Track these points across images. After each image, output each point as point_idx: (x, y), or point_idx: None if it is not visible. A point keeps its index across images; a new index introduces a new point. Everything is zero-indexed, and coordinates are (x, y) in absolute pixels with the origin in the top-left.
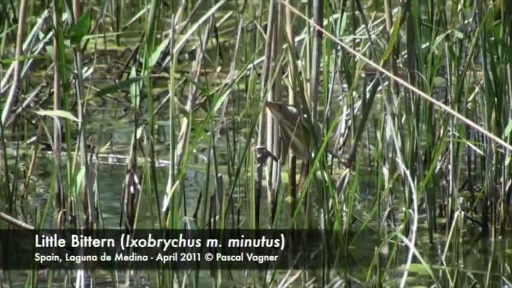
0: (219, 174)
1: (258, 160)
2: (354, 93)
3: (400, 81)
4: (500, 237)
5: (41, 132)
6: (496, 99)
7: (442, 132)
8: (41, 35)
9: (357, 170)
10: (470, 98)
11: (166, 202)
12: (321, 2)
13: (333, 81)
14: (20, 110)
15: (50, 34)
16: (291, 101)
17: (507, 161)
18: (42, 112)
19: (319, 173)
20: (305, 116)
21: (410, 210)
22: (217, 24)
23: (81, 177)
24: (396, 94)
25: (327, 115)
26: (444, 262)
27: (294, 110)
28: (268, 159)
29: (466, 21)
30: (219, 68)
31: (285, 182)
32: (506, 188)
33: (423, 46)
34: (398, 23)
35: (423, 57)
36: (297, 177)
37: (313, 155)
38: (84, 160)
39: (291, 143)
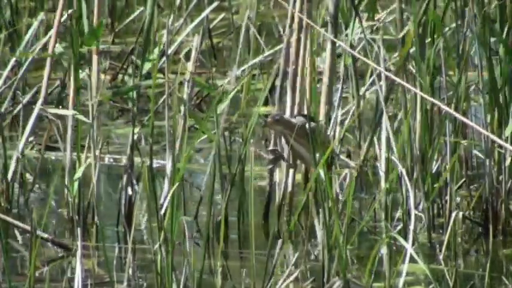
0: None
1: (270, 162)
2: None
3: (401, 82)
4: (500, 237)
5: (50, 133)
6: (494, 99)
7: (437, 132)
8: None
9: (357, 170)
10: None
11: (164, 202)
12: (336, 10)
13: (341, 84)
14: (18, 110)
15: (49, 35)
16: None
17: (508, 161)
18: (55, 111)
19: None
20: (310, 123)
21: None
22: (211, 26)
23: (78, 176)
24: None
25: (334, 120)
26: (442, 262)
27: (293, 119)
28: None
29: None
30: (213, 69)
31: (299, 183)
32: (507, 188)
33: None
34: (413, 35)
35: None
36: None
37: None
38: (93, 161)
39: (296, 152)
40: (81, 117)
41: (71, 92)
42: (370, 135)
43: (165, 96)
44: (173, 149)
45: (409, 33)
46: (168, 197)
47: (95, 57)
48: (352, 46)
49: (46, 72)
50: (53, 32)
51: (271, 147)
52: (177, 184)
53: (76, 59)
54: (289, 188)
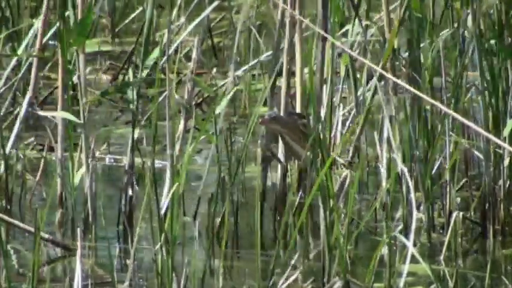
0: (222, 175)
1: (263, 160)
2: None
3: (399, 82)
4: (500, 237)
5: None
6: (493, 99)
7: (439, 132)
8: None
9: (357, 171)
10: (467, 98)
11: (165, 203)
12: (325, 7)
13: (334, 82)
14: (18, 110)
15: (50, 34)
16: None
17: (506, 162)
18: (45, 113)
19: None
20: (304, 121)
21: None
22: (211, 25)
23: (78, 178)
24: (395, 94)
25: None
26: (443, 262)
27: (288, 117)
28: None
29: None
30: (214, 69)
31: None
32: (506, 188)
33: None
34: (397, 27)
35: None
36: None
37: (311, 159)
38: (85, 161)
39: (292, 149)
40: (72, 117)
41: (60, 92)
42: (357, 132)
43: (165, 94)
44: (173, 150)
45: (393, 31)
46: (169, 198)
47: (82, 56)
48: (351, 46)
49: (33, 72)
50: (39, 31)
51: (263, 147)
52: (176, 184)
53: (65, 58)
54: (280, 188)
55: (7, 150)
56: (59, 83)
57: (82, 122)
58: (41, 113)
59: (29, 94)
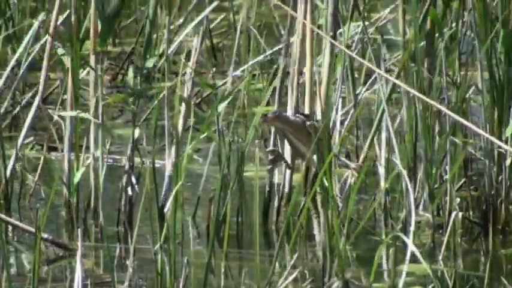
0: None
1: (270, 162)
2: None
3: (399, 83)
4: (499, 237)
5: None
6: (494, 99)
7: (438, 132)
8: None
9: (361, 172)
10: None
11: (164, 202)
12: (335, 10)
13: (340, 83)
14: (17, 110)
15: (47, 36)
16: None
17: (508, 161)
18: (59, 113)
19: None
20: (309, 121)
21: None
22: (211, 26)
23: (78, 178)
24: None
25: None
26: (442, 262)
27: (292, 116)
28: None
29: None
30: (213, 69)
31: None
32: (506, 188)
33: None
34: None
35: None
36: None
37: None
38: (101, 161)
39: (295, 148)
40: (88, 116)
41: (69, 92)
42: (370, 135)
43: (164, 93)
44: (176, 149)
45: (410, 36)
46: (171, 198)
47: (92, 57)
48: (349, 46)
49: (43, 73)
50: (49, 33)
51: (270, 148)
52: (180, 183)
53: (77, 59)
54: (287, 189)
55: (16, 152)
56: (69, 84)
57: (100, 122)
58: (57, 112)
59: (39, 94)
